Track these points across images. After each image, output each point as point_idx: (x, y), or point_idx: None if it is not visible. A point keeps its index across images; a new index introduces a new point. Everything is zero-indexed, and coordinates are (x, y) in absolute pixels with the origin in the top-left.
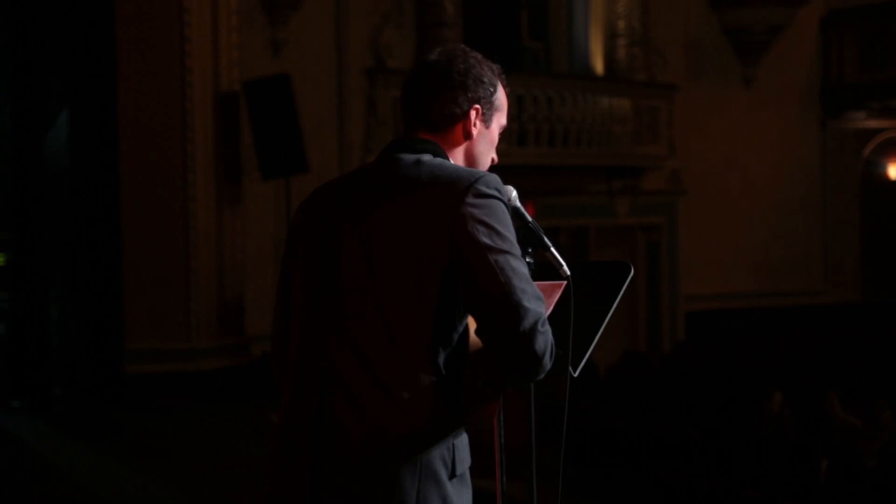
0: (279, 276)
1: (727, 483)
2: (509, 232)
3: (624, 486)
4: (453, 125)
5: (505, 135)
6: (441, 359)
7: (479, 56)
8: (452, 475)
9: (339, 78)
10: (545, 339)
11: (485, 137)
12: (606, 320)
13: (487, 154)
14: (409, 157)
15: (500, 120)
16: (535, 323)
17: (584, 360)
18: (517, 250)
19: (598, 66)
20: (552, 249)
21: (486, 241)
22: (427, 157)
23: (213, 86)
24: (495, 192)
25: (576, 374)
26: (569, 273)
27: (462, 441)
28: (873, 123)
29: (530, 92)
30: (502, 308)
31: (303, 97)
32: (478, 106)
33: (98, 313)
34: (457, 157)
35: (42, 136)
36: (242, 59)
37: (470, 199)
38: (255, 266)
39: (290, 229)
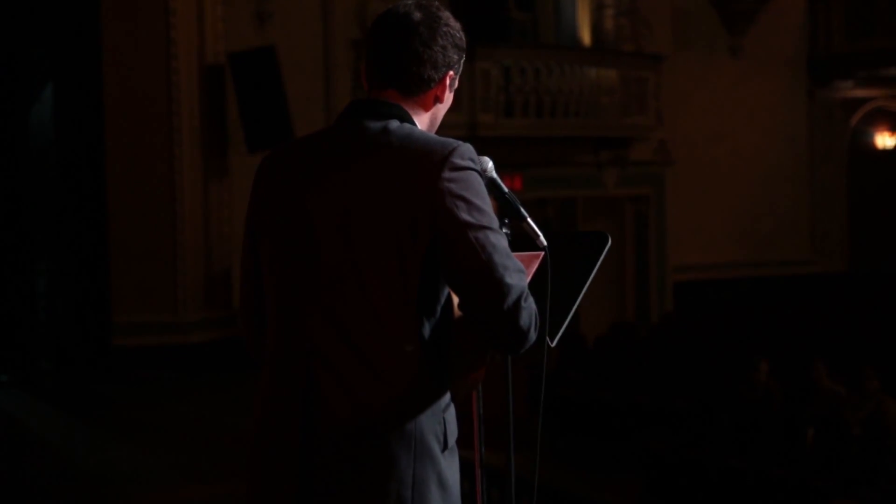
0: (245, 245)
1: (714, 452)
2: (487, 205)
3: (612, 456)
4: (428, 90)
5: (492, 106)
6: (426, 330)
7: (450, 15)
8: (444, 448)
9: (325, 49)
10: (529, 314)
11: (448, 102)
12: (584, 291)
13: (441, 117)
14: (376, 124)
15: (456, 83)
16: (519, 298)
17: (561, 331)
18: (496, 224)
19: (586, 36)
20: (529, 220)
21: (466, 217)
22: (394, 125)
23: (199, 58)
24: (470, 164)
25: (553, 345)
26: (546, 244)
27: (451, 413)
28: (861, 93)
29: (517, 63)
30: (485, 286)
31: (289, 69)
32: (451, 72)
33: (85, 286)
34: (422, 122)
35: (27, 109)
36: (228, 32)
37: (447, 174)
38: (242, 238)
39: (254, 196)
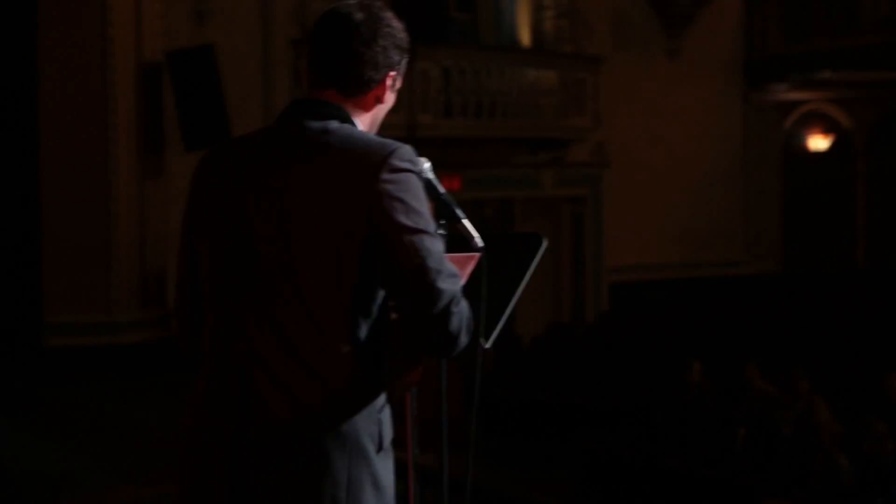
0: (182, 244)
1: (647, 452)
2: (424, 208)
3: (547, 456)
4: (368, 91)
5: (431, 107)
6: (362, 332)
7: (393, 15)
8: (380, 449)
9: (264, 49)
10: (459, 319)
11: (389, 102)
12: (519, 292)
13: (382, 117)
14: (316, 125)
15: (398, 83)
16: (449, 304)
17: (496, 332)
18: (432, 227)
19: (525, 37)
20: (464, 221)
21: (403, 219)
22: (334, 125)
23: (136, 56)
24: (409, 166)
25: (487, 346)
26: (481, 245)
27: (386, 414)
28: (795, 95)
29: (457, 64)
30: (417, 289)
31: (227, 68)
32: (393, 73)
33: (16, 286)
34: (362, 122)
35: None
36: (166, 29)
37: (385, 175)
38: (178, 238)
39: (192, 196)
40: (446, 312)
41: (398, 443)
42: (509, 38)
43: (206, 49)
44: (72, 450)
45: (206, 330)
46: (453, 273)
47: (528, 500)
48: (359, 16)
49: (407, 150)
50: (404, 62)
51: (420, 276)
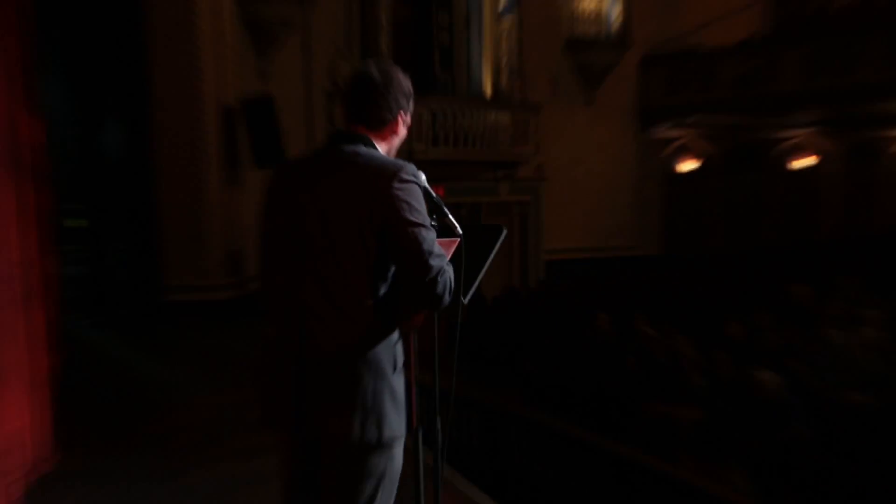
0: (261, 232)
1: (569, 374)
2: (422, 207)
3: (503, 377)
4: (385, 126)
5: (424, 137)
6: (381, 290)
7: (402, 73)
8: (395, 370)
9: (306, 96)
10: (443, 284)
11: (401, 134)
12: (487, 265)
13: (397, 144)
14: (349, 148)
15: (409, 121)
16: (437, 275)
17: (471, 292)
18: (427, 221)
19: (488, 90)
20: (449, 216)
21: (407, 216)
22: (362, 149)
23: (219, 102)
24: (413, 178)
25: (466, 302)
26: (461, 233)
27: (400, 346)
28: (672, 133)
29: (441, 108)
30: (415, 264)
31: (282, 110)
32: (402, 113)
33: (144, 260)
34: (382, 148)
35: (100, 137)
36: (241, 83)
37: (396, 184)
38: (252, 227)
39: (266, 199)
40: (434, 281)
41: (406, 366)
42: (477, 91)
43: (267, 97)
44: (180, 368)
45: (275, 288)
46: (440, 254)
47: (491, 404)
48: (376, 74)
49: (412, 167)
50: (411, 105)
51: (417, 256)
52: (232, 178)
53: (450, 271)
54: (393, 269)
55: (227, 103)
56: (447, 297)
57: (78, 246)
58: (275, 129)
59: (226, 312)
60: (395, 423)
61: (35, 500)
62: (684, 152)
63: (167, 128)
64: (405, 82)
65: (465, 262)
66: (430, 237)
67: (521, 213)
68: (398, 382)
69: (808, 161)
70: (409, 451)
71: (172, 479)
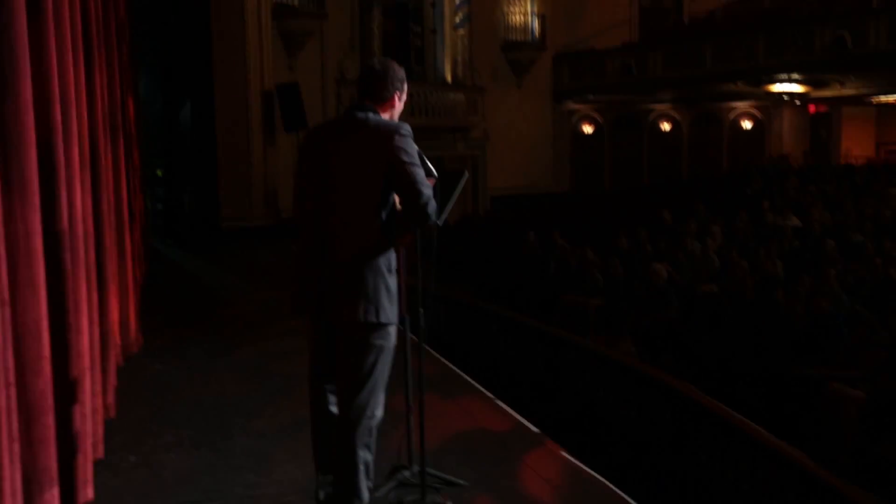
0: (295, 178)
1: (506, 276)
2: (415, 153)
3: (459, 279)
4: (387, 101)
5: (405, 111)
6: (383, 216)
7: (398, 65)
8: (390, 272)
9: (322, 84)
10: (432, 206)
11: (399, 107)
12: (454, 197)
13: (398, 114)
14: (361, 114)
15: (404, 98)
16: (428, 200)
17: (443, 218)
18: (419, 162)
19: (449, 77)
20: (427, 163)
21: (404, 158)
22: (371, 115)
23: (261, 87)
24: (408, 133)
25: (440, 224)
26: (436, 174)
27: (394, 254)
28: (577, 107)
29: (416, 91)
30: (412, 191)
31: (304, 92)
32: (398, 92)
33: (207, 198)
34: (385, 116)
35: (177, 112)
36: (275, 73)
37: (397, 137)
38: (284, 174)
39: (300, 150)
40: (426, 203)
41: (397, 271)
42: (441, 78)
43: (294, 84)
44: (233, 274)
45: (307, 216)
46: (428, 186)
47: (452, 297)
48: (378, 66)
49: (407, 126)
50: (405, 87)
51: (413, 185)
52: (269, 141)
53: (434, 201)
54: (391, 200)
55: (266, 89)
56: (433, 218)
57: (161, 188)
58: (299, 105)
59: (264, 236)
60: (390, 311)
61: (126, 373)
62: (585, 120)
63: (224, 105)
64: (400, 71)
65: (439, 195)
66: (421, 173)
67: (473, 163)
68: (392, 282)
69: (668, 126)
70: (401, 334)
71: (226, 354)
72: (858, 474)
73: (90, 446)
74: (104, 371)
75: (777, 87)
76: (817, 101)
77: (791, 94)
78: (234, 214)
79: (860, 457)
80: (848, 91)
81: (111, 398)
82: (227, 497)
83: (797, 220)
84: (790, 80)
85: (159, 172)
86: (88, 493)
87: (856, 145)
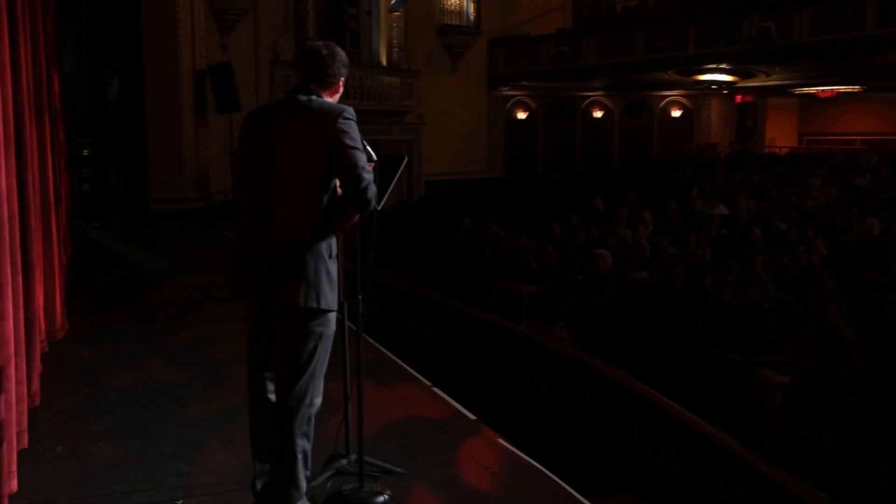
0: (234, 161)
1: (442, 259)
2: (357, 136)
3: (400, 262)
4: (331, 86)
5: (343, 95)
6: (323, 200)
7: (341, 50)
8: (331, 257)
9: (255, 64)
10: (372, 191)
11: (340, 91)
12: (394, 181)
13: (338, 97)
14: (303, 97)
15: (344, 82)
16: (368, 184)
17: (383, 202)
18: (360, 146)
19: (384, 60)
20: (367, 147)
21: (347, 141)
22: (314, 98)
23: (192, 66)
24: (351, 117)
25: (380, 208)
26: (376, 158)
27: (334, 239)
28: (510, 92)
29: (351, 74)
30: (353, 175)
31: (237, 73)
32: (342, 77)
33: (136, 179)
34: (327, 99)
35: (105, 89)
36: (206, 52)
37: (340, 120)
38: (214, 155)
39: (241, 131)
40: (366, 188)
41: (336, 256)
42: (376, 62)
43: (226, 64)
44: (163, 258)
45: (247, 197)
46: (369, 170)
47: (391, 285)
48: (324, 50)
49: (350, 109)
50: (346, 71)
51: (354, 169)
52: (201, 122)
53: (374, 185)
54: (333, 185)
55: (198, 68)
56: (373, 203)
57: (87, 169)
58: (232, 86)
59: (195, 218)
60: (330, 297)
61: (51, 360)
62: (519, 106)
63: (155, 84)
64: (344, 56)
65: (378, 180)
66: (362, 157)
67: (408, 148)
68: (333, 267)
69: (601, 113)
70: (339, 323)
71: (157, 340)
72: (782, 457)
73: (14, 436)
74: (29, 358)
75: (705, 77)
76: (744, 91)
77: (719, 84)
78: (164, 196)
79: (784, 439)
80: (773, 81)
81: (36, 386)
82: (159, 487)
83: (725, 209)
84: (718, 70)
85: (86, 152)
86: (13, 485)
87: (780, 135)
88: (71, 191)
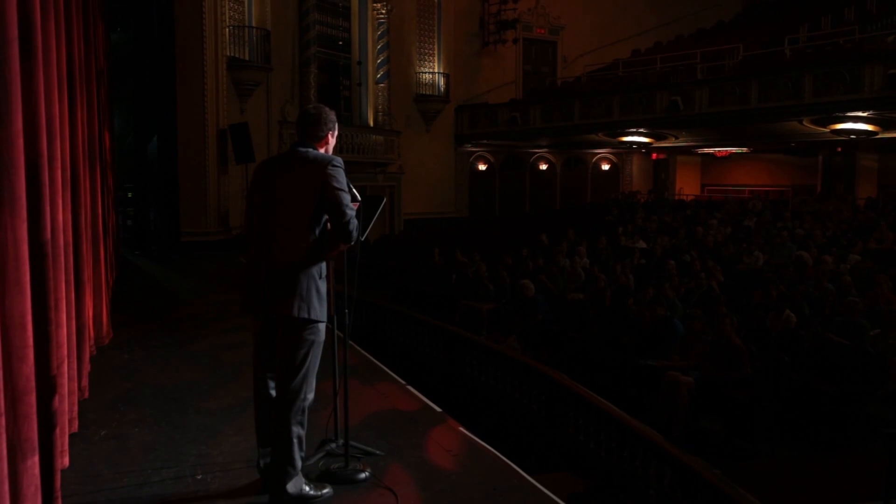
0: (246, 200)
1: (416, 285)
2: (343, 180)
3: (382, 287)
4: (322, 139)
5: (337, 148)
6: (315, 233)
7: (329, 109)
8: (321, 278)
9: (267, 124)
10: (354, 226)
11: (332, 143)
12: (375, 218)
13: (332, 149)
14: (302, 150)
15: (336, 135)
16: (350, 220)
17: (366, 234)
18: (346, 188)
19: (371, 122)
20: (353, 189)
21: (334, 184)
22: (310, 150)
23: (217, 126)
24: (339, 165)
25: (362, 239)
26: (360, 199)
27: (324, 264)
28: (474, 149)
29: (344, 133)
30: (338, 211)
31: (253, 131)
32: (331, 131)
33: (169, 217)
34: (322, 150)
35: (146, 145)
36: (228, 115)
37: (329, 168)
38: (234, 197)
39: (252, 178)
40: (349, 223)
41: (326, 278)
42: (365, 123)
43: (244, 124)
44: (189, 280)
45: (254, 232)
46: (353, 208)
47: (374, 302)
48: (313, 111)
49: (339, 159)
50: (336, 126)
51: (339, 207)
52: (223, 170)
53: (356, 221)
54: (324, 220)
55: (221, 127)
56: (355, 235)
57: (131, 208)
58: (248, 142)
59: (217, 248)
60: (320, 310)
61: (98, 361)
62: (480, 160)
63: (187, 140)
64: (331, 114)
65: (362, 216)
66: (347, 198)
67: (390, 193)
68: (322, 286)
69: (545, 166)
70: (329, 331)
71: (183, 346)
72: (688, 442)
73: (67, 422)
74: (79, 359)
75: (628, 139)
76: (658, 150)
77: (638, 144)
78: (192, 230)
79: (689, 428)
80: (681, 143)
81: (85, 381)
82: (183, 464)
83: (644, 243)
84: (638, 133)
85: (130, 194)
86: (65, 461)
87: (687, 185)
88: (117, 225)
